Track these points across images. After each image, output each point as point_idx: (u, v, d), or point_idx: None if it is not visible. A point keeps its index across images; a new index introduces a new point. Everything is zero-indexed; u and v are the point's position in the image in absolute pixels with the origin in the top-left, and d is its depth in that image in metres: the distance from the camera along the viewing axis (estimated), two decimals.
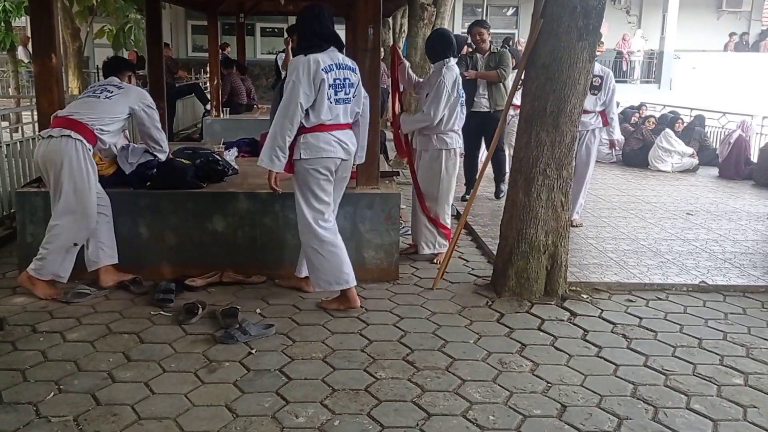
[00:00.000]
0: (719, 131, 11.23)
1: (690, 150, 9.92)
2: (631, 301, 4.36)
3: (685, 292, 4.56)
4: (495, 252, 4.66)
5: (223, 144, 5.73)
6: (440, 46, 4.96)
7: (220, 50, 14.55)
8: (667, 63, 20.42)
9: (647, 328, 3.90)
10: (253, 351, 3.44)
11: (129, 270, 4.34)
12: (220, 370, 3.25)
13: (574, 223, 5.95)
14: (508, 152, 7.43)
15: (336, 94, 3.83)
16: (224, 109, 10.16)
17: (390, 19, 13.59)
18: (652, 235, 5.97)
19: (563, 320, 3.97)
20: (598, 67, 5.73)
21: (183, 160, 4.71)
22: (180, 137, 11.91)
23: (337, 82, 3.83)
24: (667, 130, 10.07)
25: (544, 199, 4.23)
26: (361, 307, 4.08)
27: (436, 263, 4.99)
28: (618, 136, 6.57)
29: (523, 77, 4.36)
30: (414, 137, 5.08)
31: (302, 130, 3.83)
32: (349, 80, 3.91)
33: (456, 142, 4.99)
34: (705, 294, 4.53)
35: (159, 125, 4.53)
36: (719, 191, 8.34)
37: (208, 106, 11.01)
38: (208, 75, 11.74)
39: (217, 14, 10.45)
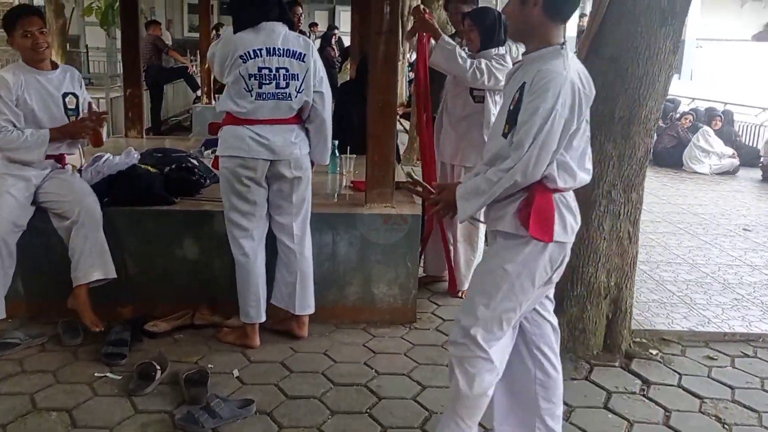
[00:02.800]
0: (756, 128, 10.26)
1: (730, 150, 8.98)
2: (712, 358, 3.43)
3: None
4: None
5: (203, 146, 4.74)
6: (493, 27, 3.81)
7: (214, 31, 13.50)
8: (689, 52, 19.38)
9: (745, 406, 2.97)
10: None
11: (72, 309, 3.42)
12: None
13: None
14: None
15: (260, 87, 3.08)
16: (216, 95, 9.16)
17: None
18: (713, 258, 5.03)
19: (635, 392, 3.04)
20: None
21: (149, 167, 3.76)
22: (170, 125, 10.96)
23: (264, 72, 3.08)
24: (705, 128, 9.11)
25: (606, 229, 3.29)
26: (366, 365, 3.16)
27: (462, 297, 4.06)
28: None
29: None
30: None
31: (225, 119, 3.17)
32: (287, 70, 3.12)
33: None
34: None
35: None
36: None
37: (199, 92, 10.01)
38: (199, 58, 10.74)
39: None
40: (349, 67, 8.56)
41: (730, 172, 8.83)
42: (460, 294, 4.08)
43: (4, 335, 3.23)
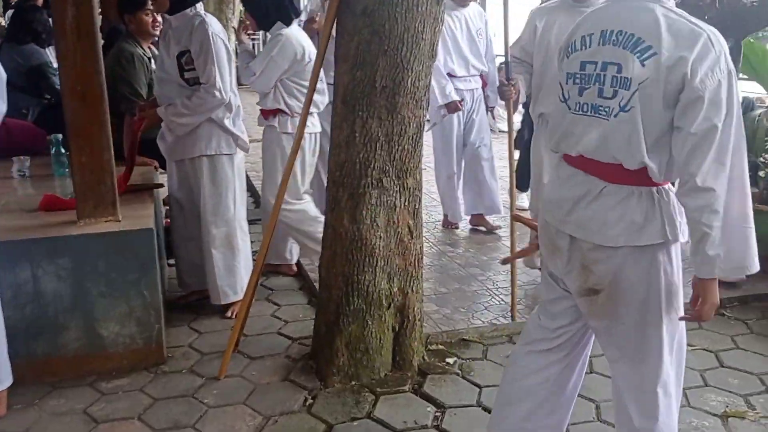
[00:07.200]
0: None
1: None
2: None
3: None
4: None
5: None
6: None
7: None
8: None
9: None
10: None
11: None
12: None
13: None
14: None
15: None
16: None
17: None
18: None
19: (426, 426, 2.48)
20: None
21: None
22: None
23: None
24: None
25: (381, 225, 2.68)
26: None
27: (232, 317, 3.32)
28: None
29: (335, 32, 2.72)
30: None
31: None
32: None
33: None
34: None
35: None
36: None
37: None
38: None
39: None
40: None
41: None
42: (231, 314, 3.34)
43: None
